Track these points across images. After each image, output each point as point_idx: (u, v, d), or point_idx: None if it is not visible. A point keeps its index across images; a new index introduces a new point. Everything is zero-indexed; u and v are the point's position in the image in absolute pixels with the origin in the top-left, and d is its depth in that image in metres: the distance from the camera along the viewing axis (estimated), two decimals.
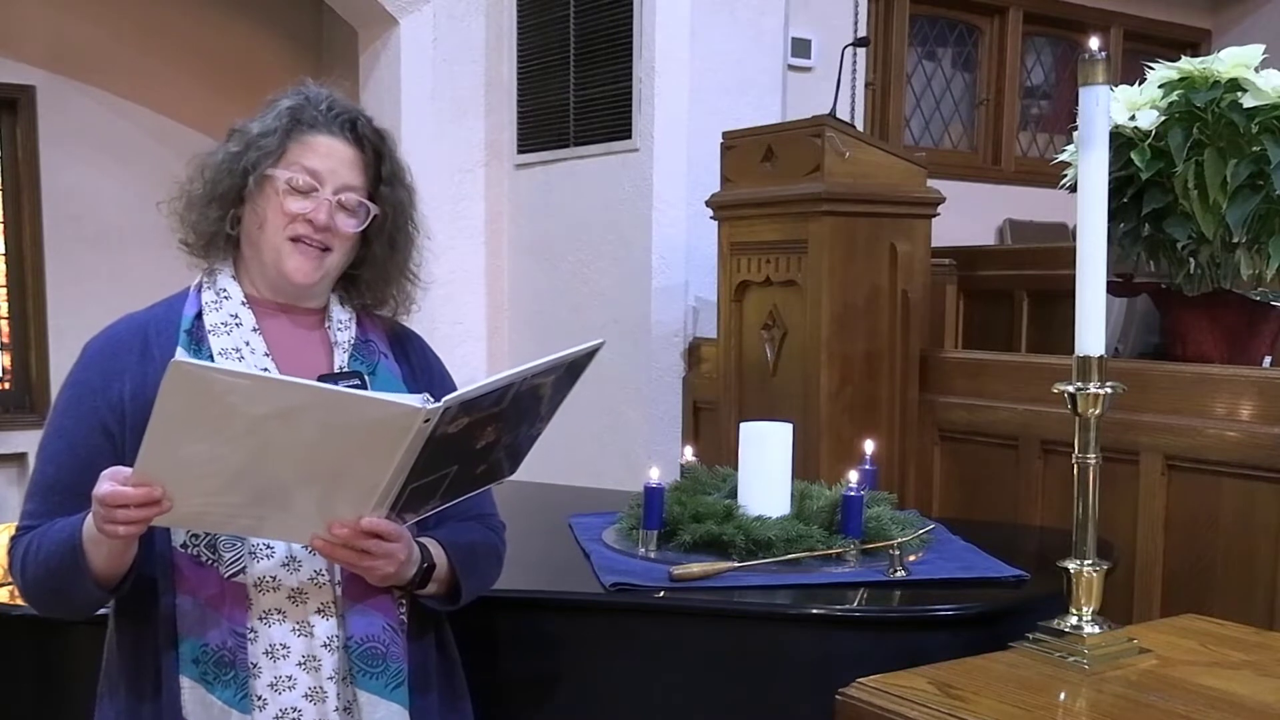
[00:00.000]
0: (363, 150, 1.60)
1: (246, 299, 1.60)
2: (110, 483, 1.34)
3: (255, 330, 1.58)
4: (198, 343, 1.55)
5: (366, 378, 1.60)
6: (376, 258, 1.65)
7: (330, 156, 1.58)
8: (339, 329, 1.64)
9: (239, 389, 1.28)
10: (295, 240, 1.56)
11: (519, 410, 1.46)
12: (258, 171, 1.55)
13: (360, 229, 1.60)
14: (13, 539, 1.54)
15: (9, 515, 4.96)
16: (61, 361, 5.14)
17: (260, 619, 1.48)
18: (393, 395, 1.43)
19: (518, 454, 1.55)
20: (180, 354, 1.52)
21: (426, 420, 1.33)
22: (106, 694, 1.57)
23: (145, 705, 1.50)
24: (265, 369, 1.54)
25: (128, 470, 1.33)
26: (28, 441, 5.05)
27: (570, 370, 1.50)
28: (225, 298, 1.59)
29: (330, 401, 1.34)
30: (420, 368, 1.72)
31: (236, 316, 1.58)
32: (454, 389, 1.70)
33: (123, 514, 1.33)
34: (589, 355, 1.51)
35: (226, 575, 1.47)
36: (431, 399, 1.35)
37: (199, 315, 1.57)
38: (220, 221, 1.59)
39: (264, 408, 1.29)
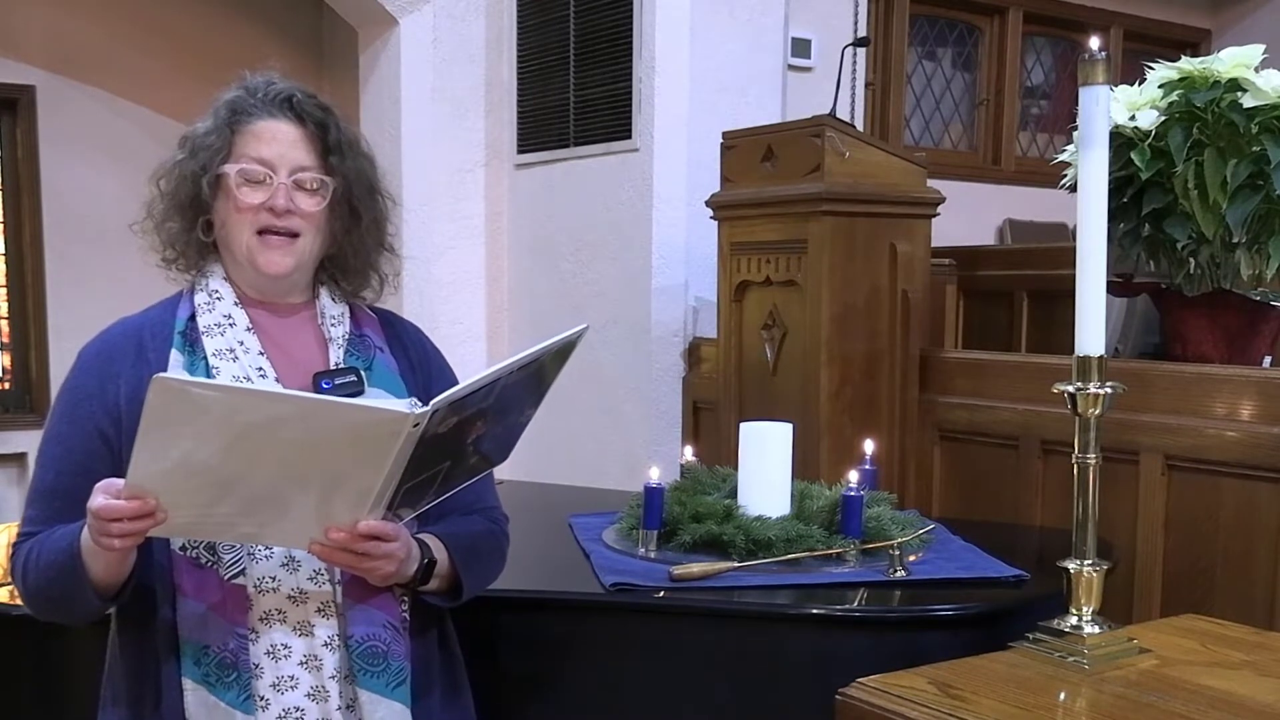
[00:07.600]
0: (305, 125, 1.57)
1: (239, 299, 1.59)
2: (103, 496, 1.33)
3: (249, 330, 1.57)
4: (192, 345, 1.54)
5: (363, 373, 1.58)
6: (344, 230, 1.61)
7: (276, 140, 1.55)
8: (333, 324, 1.63)
9: (221, 402, 1.28)
10: (262, 233, 1.55)
11: (507, 402, 1.45)
12: (209, 173, 1.54)
13: (323, 206, 1.58)
14: (14, 546, 1.53)
15: (9, 515, 4.98)
16: (61, 361, 5.13)
17: (261, 620, 1.48)
18: (379, 401, 1.42)
19: (509, 442, 1.55)
20: (174, 357, 1.52)
21: (415, 425, 1.32)
22: (110, 700, 1.57)
23: (148, 710, 1.50)
24: (260, 368, 1.54)
25: (120, 483, 1.33)
26: (28, 441, 5.05)
27: (556, 358, 1.50)
28: (218, 299, 1.58)
29: (315, 411, 1.33)
30: (419, 360, 1.70)
31: (230, 317, 1.57)
32: (454, 380, 1.69)
33: (117, 527, 1.33)
34: (573, 342, 1.50)
35: (226, 577, 1.47)
36: (419, 403, 1.35)
37: (192, 317, 1.57)
38: (189, 231, 1.58)
39: (249, 419, 1.29)
